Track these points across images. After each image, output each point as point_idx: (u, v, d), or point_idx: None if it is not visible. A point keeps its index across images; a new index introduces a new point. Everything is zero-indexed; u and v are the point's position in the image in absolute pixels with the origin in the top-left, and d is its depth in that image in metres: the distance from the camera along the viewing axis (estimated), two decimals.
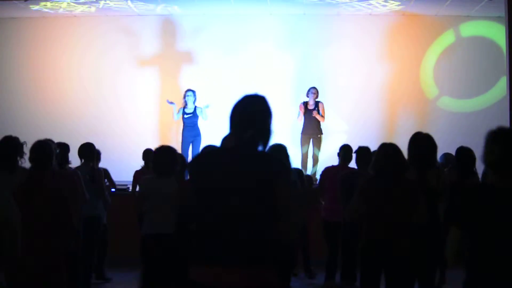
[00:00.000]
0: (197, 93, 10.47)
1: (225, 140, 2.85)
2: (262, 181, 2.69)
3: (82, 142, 7.15)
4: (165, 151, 5.36)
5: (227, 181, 2.71)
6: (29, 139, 5.43)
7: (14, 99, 11.73)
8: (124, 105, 11.62)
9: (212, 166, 2.79)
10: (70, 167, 6.52)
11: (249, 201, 2.67)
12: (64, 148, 6.20)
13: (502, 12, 9.20)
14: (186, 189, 2.82)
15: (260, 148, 2.80)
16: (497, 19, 11.03)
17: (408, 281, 4.70)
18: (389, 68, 11.58)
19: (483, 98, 11.50)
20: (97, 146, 7.23)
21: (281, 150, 5.11)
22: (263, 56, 11.52)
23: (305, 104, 10.44)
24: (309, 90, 10.46)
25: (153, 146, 8.00)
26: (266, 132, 2.80)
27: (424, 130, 10.89)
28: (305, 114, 10.39)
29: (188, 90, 10.45)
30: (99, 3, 10.83)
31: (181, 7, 11.32)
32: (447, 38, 11.66)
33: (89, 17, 11.67)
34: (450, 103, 11.58)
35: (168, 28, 11.83)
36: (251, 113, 2.80)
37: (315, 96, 10.38)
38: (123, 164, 9.54)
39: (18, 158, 4.88)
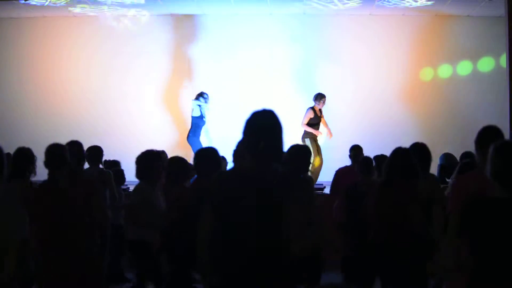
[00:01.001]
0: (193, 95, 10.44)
1: (239, 154, 3.00)
2: (275, 200, 2.83)
3: (84, 143, 7.12)
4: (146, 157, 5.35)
5: (246, 203, 2.83)
6: (28, 139, 5.45)
7: (14, 99, 11.72)
8: (127, 105, 11.62)
9: (233, 190, 2.90)
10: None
11: (265, 219, 2.80)
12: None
13: (502, 12, 9.20)
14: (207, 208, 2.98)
15: (273, 162, 2.92)
16: (497, 19, 11.03)
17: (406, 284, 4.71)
18: (389, 68, 11.57)
19: (483, 98, 11.50)
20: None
21: (305, 153, 5.20)
22: (263, 56, 11.51)
23: (314, 110, 10.15)
24: (321, 98, 10.14)
25: (161, 147, 8.02)
26: (279, 146, 2.92)
27: (425, 129, 11.06)
28: (317, 120, 10.14)
29: (205, 93, 10.34)
30: (98, 3, 10.82)
31: (181, 7, 11.32)
32: (448, 38, 11.67)
33: (89, 17, 11.67)
34: (450, 103, 11.58)
35: (168, 29, 11.82)
36: (262, 129, 2.90)
37: (322, 104, 10.18)
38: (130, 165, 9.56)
39: (31, 169, 4.95)
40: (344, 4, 10.82)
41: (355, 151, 7.33)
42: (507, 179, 2.93)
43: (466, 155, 6.52)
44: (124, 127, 11.52)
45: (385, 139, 10.20)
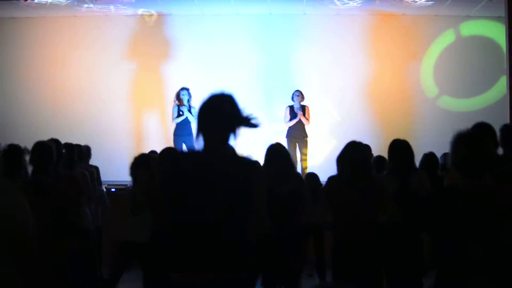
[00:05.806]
0: (191, 91, 10.41)
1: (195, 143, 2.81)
2: (239, 183, 2.66)
3: (85, 142, 7.14)
4: None
5: (201, 187, 2.65)
6: (28, 139, 5.43)
7: (14, 99, 11.73)
8: (126, 105, 11.63)
9: (184, 173, 2.70)
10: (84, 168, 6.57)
11: (224, 205, 2.64)
12: (70, 149, 6.17)
13: (502, 12, 9.21)
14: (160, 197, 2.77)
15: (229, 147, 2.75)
16: (497, 19, 11.04)
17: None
18: (390, 68, 11.58)
19: (483, 98, 11.52)
20: (97, 146, 7.21)
21: (282, 150, 5.17)
22: (262, 55, 11.52)
23: (291, 108, 10.27)
24: (293, 94, 10.28)
25: (155, 147, 8.04)
26: (235, 132, 2.74)
27: (424, 129, 11.08)
28: (291, 118, 10.21)
29: (183, 88, 10.40)
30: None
31: (181, 7, 11.32)
32: (447, 38, 11.68)
33: (90, 17, 11.67)
34: (450, 103, 11.59)
35: (168, 29, 11.83)
36: (221, 115, 2.72)
37: (299, 99, 10.19)
38: (124, 163, 9.56)
39: (23, 164, 4.89)
40: (344, 4, 10.81)
41: None
42: (467, 168, 2.99)
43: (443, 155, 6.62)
44: (125, 126, 11.53)
45: (385, 138, 10.19)
